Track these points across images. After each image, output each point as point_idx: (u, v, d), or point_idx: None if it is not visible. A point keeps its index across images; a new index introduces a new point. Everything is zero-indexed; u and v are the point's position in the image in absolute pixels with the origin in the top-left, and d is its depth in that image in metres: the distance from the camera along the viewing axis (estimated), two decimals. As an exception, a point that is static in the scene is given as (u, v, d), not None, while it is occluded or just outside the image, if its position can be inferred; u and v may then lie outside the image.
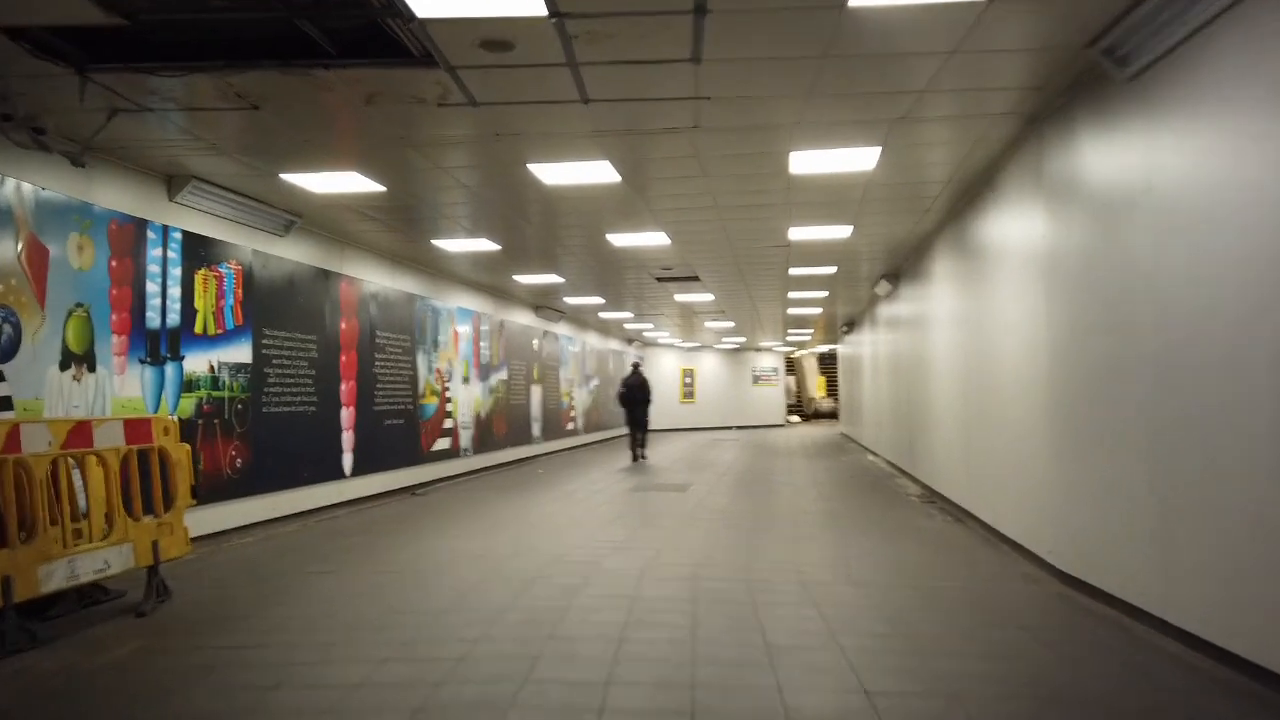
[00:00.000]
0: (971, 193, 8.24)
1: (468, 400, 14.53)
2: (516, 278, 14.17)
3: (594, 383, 24.33)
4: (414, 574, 6.53)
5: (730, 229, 9.98)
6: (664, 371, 32.26)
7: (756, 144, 6.69)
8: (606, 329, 25.19)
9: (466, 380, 14.54)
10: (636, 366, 18.58)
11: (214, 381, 7.96)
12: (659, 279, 14.46)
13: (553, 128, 6.25)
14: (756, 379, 34.49)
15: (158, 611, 5.42)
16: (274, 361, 8.90)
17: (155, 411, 7.19)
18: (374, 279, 11.30)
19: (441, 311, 13.55)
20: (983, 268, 8.00)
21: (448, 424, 13.62)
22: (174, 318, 7.48)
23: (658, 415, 32.62)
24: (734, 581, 6.08)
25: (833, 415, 39.58)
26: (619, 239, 10.48)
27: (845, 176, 7.59)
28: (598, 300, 17.48)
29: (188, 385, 7.61)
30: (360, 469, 10.74)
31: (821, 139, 6.52)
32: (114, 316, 6.79)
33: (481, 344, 15.33)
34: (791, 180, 7.64)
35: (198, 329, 7.78)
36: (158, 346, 7.28)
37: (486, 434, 15.36)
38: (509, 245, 11.03)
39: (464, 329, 14.49)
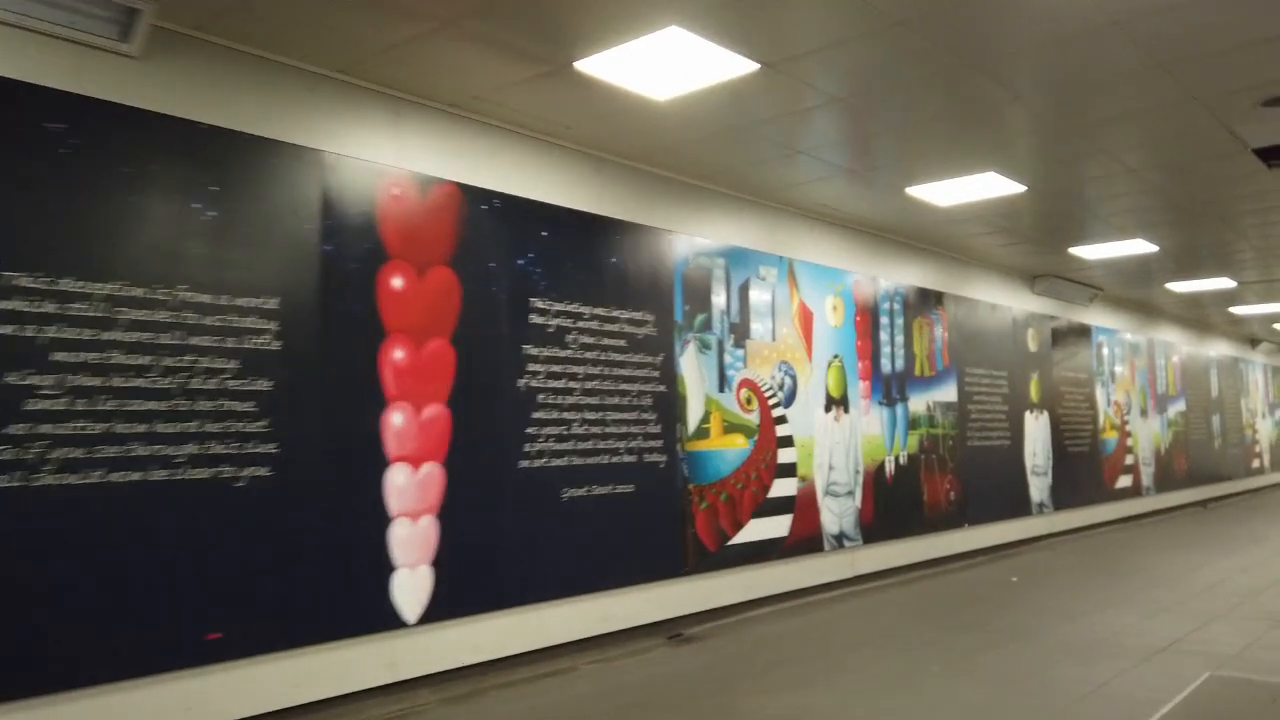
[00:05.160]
0: None
1: (837, 440, 7.61)
2: (914, 191, 6.95)
3: (1176, 408, 14.72)
4: None
5: None
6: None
7: None
8: (1200, 317, 15.32)
9: (833, 403, 7.64)
10: None
11: None
12: (1260, 153, 5.99)
13: None
14: None
15: None
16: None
17: None
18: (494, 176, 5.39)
19: (741, 266, 7.01)
20: None
21: (784, 487, 6.94)
22: None
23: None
24: None
25: None
26: None
27: None
28: (1143, 247, 9.00)
29: None
30: (447, 605, 4.83)
31: None
32: None
33: (898, 336, 8.27)
34: None
35: None
36: None
37: (893, 505, 8.18)
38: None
39: (821, 301, 7.64)
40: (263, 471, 4.08)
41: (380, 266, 4.62)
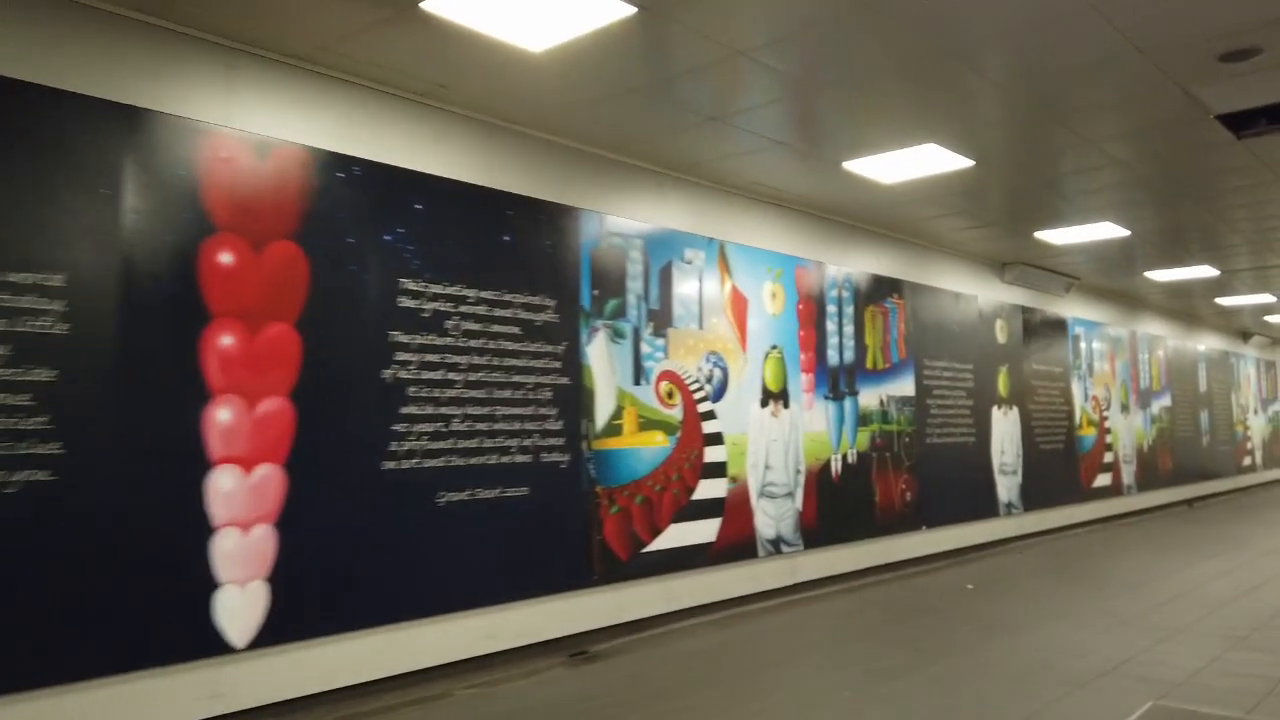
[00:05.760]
0: None
1: (774, 438, 7.02)
2: (852, 165, 6.37)
3: (1161, 403, 14.13)
4: None
5: None
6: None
7: None
8: (1186, 309, 14.71)
9: (770, 397, 7.06)
10: None
11: None
12: (1226, 120, 5.40)
13: None
14: None
15: None
16: None
17: None
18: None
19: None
20: None
21: (712, 488, 6.36)
22: None
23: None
24: None
25: None
26: None
27: None
28: (1113, 231, 8.40)
29: None
30: (288, 626, 4.26)
31: None
32: None
33: (848, 326, 7.67)
34: None
35: None
36: None
37: (840, 507, 7.59)
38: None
39: (758, 288, 7.05)
40: (41, 475, 3.50)
41: (203, 240, 4.03)
